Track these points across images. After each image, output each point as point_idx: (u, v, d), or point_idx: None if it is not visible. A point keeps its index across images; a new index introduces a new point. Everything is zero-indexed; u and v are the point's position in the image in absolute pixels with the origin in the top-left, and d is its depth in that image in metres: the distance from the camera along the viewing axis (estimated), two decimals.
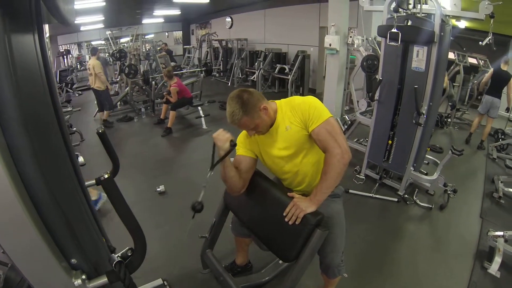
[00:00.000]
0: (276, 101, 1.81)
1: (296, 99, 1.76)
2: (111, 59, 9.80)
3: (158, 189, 3.83)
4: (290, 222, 1.64)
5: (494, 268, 2.56)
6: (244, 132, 1.88)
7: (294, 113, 1.71)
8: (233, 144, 1.68)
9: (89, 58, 7.87)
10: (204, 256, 2.33)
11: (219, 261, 2.23)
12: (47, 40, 0.90)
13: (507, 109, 5.47)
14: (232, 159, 1.81)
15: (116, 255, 1.03)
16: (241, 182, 1.83)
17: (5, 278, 1.67)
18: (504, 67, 5.27)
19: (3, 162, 0.71)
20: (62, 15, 0.77)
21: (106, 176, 0.95)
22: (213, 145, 1.69)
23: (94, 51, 6.80)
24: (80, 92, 10.45)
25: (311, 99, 1.72)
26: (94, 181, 1.34)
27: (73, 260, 0.93)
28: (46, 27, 0.92)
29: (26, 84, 0.78)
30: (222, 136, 1.66)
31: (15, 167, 0.76)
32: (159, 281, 2.30)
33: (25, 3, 0.80)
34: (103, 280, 0.98)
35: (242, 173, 1.84)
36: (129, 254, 1.03)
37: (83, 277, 0.94)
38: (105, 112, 6.69)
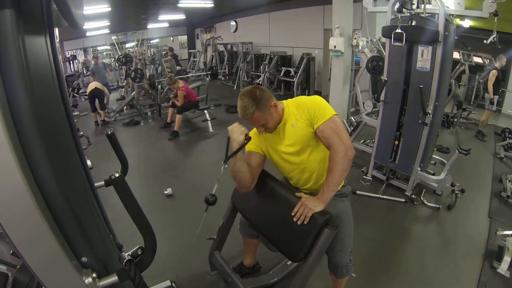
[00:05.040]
0: (283, 101, 1.85)
1: (302, 98, 1.82)
2: (116, 64, 9.90)
3: (166, 192, 3.84)
4: (298, 222, 1.64)
5: (503, 267, 2.54)
6: (254, 130, 1.91)
7: (300, 111, 1.75)
8: (247, 138, 1.70)
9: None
10: (212, 257, 2.33)
11: (227, 263, 2.23)
12: (57, 45, 0.92)
13: None
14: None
15: (127, 253, 1.04)
16: (251, 177, 1.84)
17: (13, 280, 1.69)
18: (498, 66, 5.80)
19: (19, 165, 0.73)
20: (73, 18, 0.79)
21: (117, 175, 0.96)
22: (228, 138, 1.70)
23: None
24: (86, 97, 10.53)
25: (316, 98, 1.78)
26: (103, 182, 1.36)
27: (83, 259, 0.94)
28: (56, 31, 0.94)
29: (39, 87, 0.79)
30: (237, 129, 1.68)
31: (29, 169, 0.77)
32: (167, 283, 2.30)
33: (37, 5, 0.81)
34: (113, 278, 1.00)
35: (252, 168, 1.86)
36: (139, 252, 1.04)
37: (94, 275, 0.95)
38: (101, 112, 7.19)
